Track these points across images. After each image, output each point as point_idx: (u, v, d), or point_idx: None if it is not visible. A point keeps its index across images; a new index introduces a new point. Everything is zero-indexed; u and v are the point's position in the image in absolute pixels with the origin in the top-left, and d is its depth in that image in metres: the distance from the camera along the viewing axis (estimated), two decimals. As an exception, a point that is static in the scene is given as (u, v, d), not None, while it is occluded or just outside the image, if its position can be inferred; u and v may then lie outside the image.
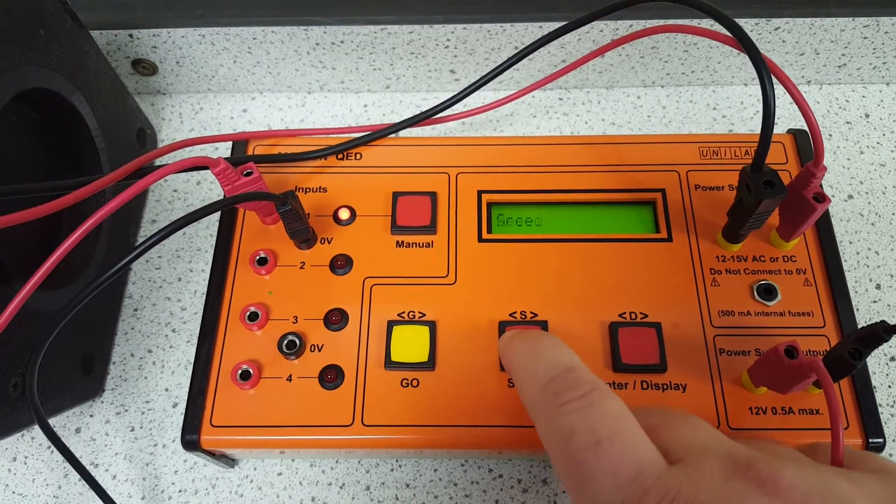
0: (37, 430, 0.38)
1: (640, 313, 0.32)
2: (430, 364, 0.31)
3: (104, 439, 0.37)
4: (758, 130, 0.28)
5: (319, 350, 0.32)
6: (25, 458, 0.37)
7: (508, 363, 0.28)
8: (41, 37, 0.34)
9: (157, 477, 0.36)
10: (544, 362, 0.25)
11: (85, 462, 0.36)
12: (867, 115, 0.45)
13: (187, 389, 0.37)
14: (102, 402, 0.38)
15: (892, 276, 0.40)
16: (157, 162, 0.34)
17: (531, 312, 0.32)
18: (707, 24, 0.40)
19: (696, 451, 0.22)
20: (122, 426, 0.38)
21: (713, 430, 0.24)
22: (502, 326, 0.32)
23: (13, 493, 0.36)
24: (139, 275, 0.42)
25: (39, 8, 0.34)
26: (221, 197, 0.30)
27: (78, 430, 0.38)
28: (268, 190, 0.33)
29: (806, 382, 0.26)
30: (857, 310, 0.38)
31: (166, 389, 0.38)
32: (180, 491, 0.36)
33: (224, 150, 0.44)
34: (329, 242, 0.34)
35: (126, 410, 0.38)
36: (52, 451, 0.37)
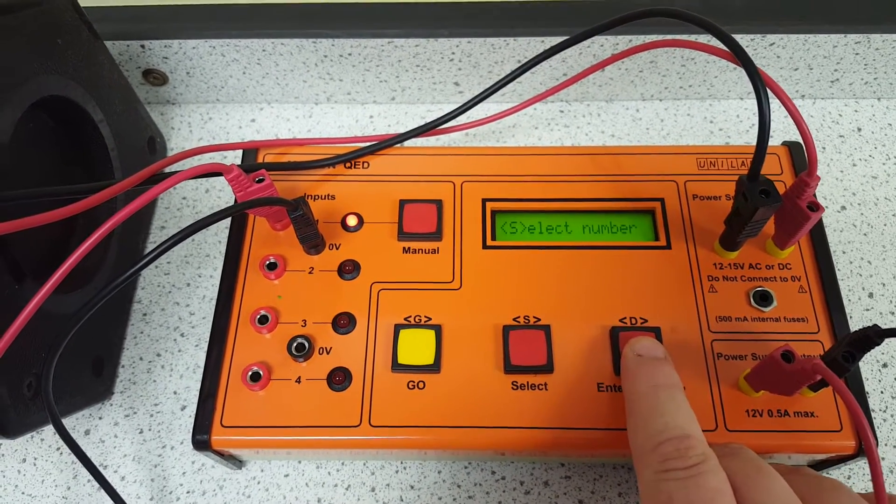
0: (46, 432, 0.39)
1: (641, 318, 0.33)
2: (435, 367, 0.32)
3: (113, 441, 0.38)
4: (753, 143, 0.29)
5: (328, 353, 0.33)
6: (35, 459, 0.38)
7: (627, 392, 0.29)
8: (59, 46, 0.35)
9: (165, 478, 0.37)
10: (663, 418, 0.26)
11: (94, 463, 0.37)
12: (859, 129, 0.47)
13: (195, 393, 0.39)
14: (111, 405, 0.39)
15: (884, 284, 0.41)
16: (170, 169, 0.35)
17: (534, 317, 0.33)
18: (704, 39, 0.42)
19: None
20: (130, 428, 0.38)
21: (785, 491, 0.25)
22: (506, 330, 0.32)
23: (23, 493, 0.37)
24: (148, 280, 0.43)
25: (58, 18, 0.35)
26: (227, 206, 0.31)
27: (87, 432, 0.38)
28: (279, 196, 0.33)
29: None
30: (851, 317, 0.39)
31: (175, 392, 0.39)
32: (188, 492, 0.36)
33: (233, 158, 0.45)
34: (337, 248, 0.35)
35: (135, 413, 0.39)
36: (61, 453, 0.38)
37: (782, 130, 0.46)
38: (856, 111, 0.48)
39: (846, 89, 0.47)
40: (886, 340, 0.27)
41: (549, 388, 0.32)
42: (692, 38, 0.41)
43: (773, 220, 0.33)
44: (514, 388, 0.32)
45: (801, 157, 0.37)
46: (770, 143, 0.30)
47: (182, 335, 0.41)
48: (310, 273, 0.35)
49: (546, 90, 0.40)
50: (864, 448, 0.24)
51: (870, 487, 0.35)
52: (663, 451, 0.25)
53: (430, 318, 0.33)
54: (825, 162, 0.45)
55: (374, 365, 0.32)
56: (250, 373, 0.32)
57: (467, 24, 0.43)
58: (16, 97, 0.31)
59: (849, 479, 0.36)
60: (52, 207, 0.28)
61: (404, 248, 0.35)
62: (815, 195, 0.30)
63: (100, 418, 0.39)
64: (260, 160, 0.38)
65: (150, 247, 0.44)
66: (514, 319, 0.33)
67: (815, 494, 0.25)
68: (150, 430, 0.38)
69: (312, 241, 0.34)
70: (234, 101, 0.49)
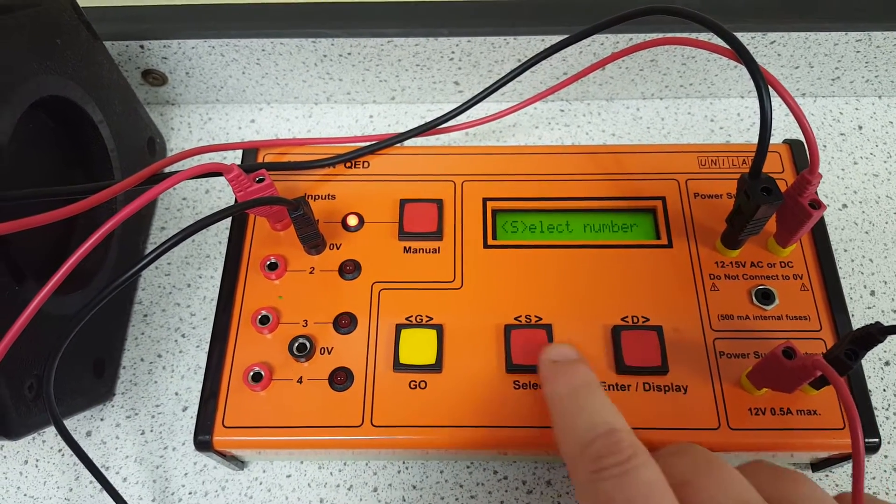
0: (48, 434, 0.38)
1: (642, 317, 0.33)
2: (437, 366, 0.32)
3: (115, 442, 0.38)
4: (754, 141, 0.29)
5: (329, 353, 0.33)
6: (37, 461, 0.38)
7: (548, 399, 0.29)
8: (58, 46, 0.35)
9: (167, 479, 0.37)
10: (586, 417, 0.26)
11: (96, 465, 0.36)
12: (860, 127, 0.47)
13: (197, 394, 0.38)
14: (113, 406, 0.39)
15: (885, 282, 0.41)
16: (170, 169, 0.35)
17: (536, 316, 0.33)
18: (705, 37, 0.42)
19: None
20: (132, 430, 0.38)
21: (738, 483, 0.24)
22: (508, 330, 0.32)
23: (25, 495, 0.37)
24: (149, 281, 0.42)
25: (57, 18, 0.35)
26: (228, 205, 0.31)
27: (89, 434, 0.38)
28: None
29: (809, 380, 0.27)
30: (853, 316, 0.39)
31: (176, 393, 0.39)
32: (190, 493, 0.36)
33: (233, 158, 0.45)
34: (338, 248, 0.35)
35: (136, 414, 0.39)
36: (63, 454, 0.38)
37: (782, 128, 0.46)
38: (857, 109, 0.47)
39: (847, 87, 0.47)
40: (889, 338, 0.27)
41: (552, 388, 0.31)
42: (693, 36, 0.41)
43: (775, 219, 0.33)
44: (516, 387, 0.32)
45: (802, 154, 0.37)
46: (771, 142, 0.30)
47: (183, 336, 0.41)
48: (311, 273, 0.35)
49: (546, 89, 0.40)
50: (852, 444, 0.24)
51: (873, 486, 0.35)
52: (594, 451, 0.24)
53: (431, 318, 0.33)
54: (826, 160, 0.45)
55: (376, 365, 0.32)
56: (252, 373, 0.32)
57: (467, 23, 0.43)
58: (15, 97, 0.31)
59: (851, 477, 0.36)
60: (52, 208, 0.28)
61: (405, 247, 0.35)
62: (816, 193, 0.30)
63: (101, 420, 0.39)
64: (260, 160, 0.38)
65: (150, 247, 0.44)
66: (516, 319, 0.33)
67: (772, 484, 0.25)
68: (151, 431, 0.38)
69: (313, 241, 0.34)
70: (234, 102, 0.49)
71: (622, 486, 0.23)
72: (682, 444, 0.27)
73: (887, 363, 0.38)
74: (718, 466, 0.25)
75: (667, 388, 0.31)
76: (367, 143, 0.38)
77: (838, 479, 0.35)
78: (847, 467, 0.36)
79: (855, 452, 0.24)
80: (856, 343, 0.27)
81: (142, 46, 0.44)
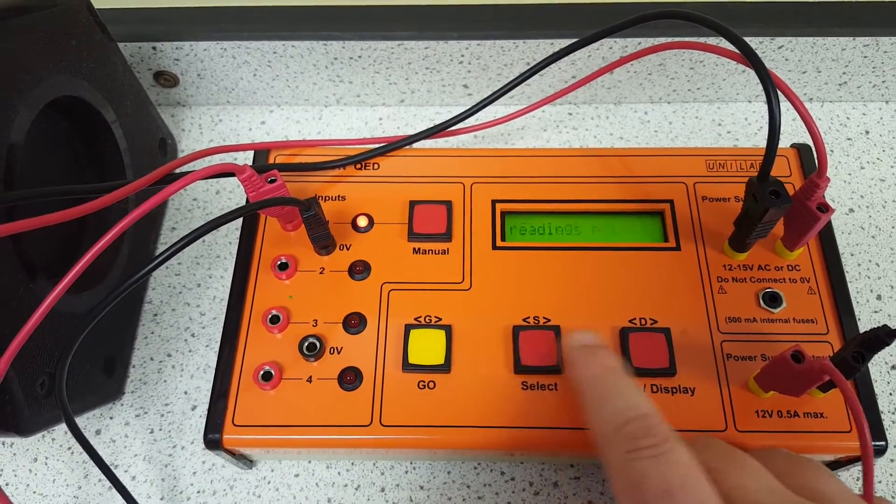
0: (57, 432, 0.39)
1: (650, 319, 0.33)
2: (446, 366, 0.32)
3: (124, 441, 0.38)
4: (761, 145, 0.29)
5: (339, 352, 0.33)
6: (46, 458, 0.38)
7: (578, 382, 0.28)
8: (73, 47, 0.35)
9: (175, 478, 0.37)
10: (622, 399, 0.26)
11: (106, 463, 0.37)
12: (867, 132, 0.47)
13: (206, 393, 0.39)
14: (122, 405, 0.39)
15: (892, 287, 0.41)
16: (182, 170, 0.35)
17: (544, 318, 0.33)
18: (714, 41, 0.42)
19: (750, 502, 0.23)
20: (141, 428, 0.38)
21: (763, 472, 0.25)
22: (516, 331, 0.33)
23: (34, 492, 0.37)
24: (159, 280, 0.43)
25: (73, 19, 0.36)
26: (241, 206, 0.31)
27: (98, 432, 0.38)
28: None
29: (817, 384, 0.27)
30: (859, 319, 0.39)
31: (185, 392, 0.39)
32: (199, 492, 0.37)
33: (244, 159, 0.46)
34: (348, 249, 0.36)
35: (146, 413, 0.39)
36: (72, 452, 0.38)
37: (789, 132, 0.46)
38: (864, 114, 0.48)
39: (854, 92, 0.47)
40: (896, 342, 0.27)
41: (559, 389, 0.32)
42: (702, 40, 0.41)
43: (783, 222, 0.33)
44: (525, 388, 0.32)
45: (810, 158, 0.37)
46: (778, 146, 0.31)
47: (193, 335, 0.41)
48: (321, 273, 0.35)
49: (555, 92, 0.41)
50: (861, 447, 0.24)
51: (880, 489, 0.35)
52: (630, 431, 0.25)
53: (440, 319, 0.33)
54: (833, 164, 0.45)
55: (385, 365, 0.33)
56: (262, 372, 0.32)
57: (477, 27, 0.43)
58: (31, 97, 0.32)
59: (858, 480, 0.36)
60: (66, 206, 0.29)
61: (414, 248, 0.35)
62: (824, 196, 0.31)
63: (111, 418, 0.39)
64: (271, 161, 0.38)
65: (160, 248, 0.44)
66: (524, 320, 0.33)
67: (792, 473, 0.25)
68: (160, 429, 0.38)
69: (324, 241, 0.34)
70: (245, 104, 0.49)
71: (658, 465, 0.23)
72: (702, 437, 0.28)
73: (894, 367, 0.38)
74: (742, 456, 0.26)
75: (674, 390, 0.31)
76: (378, 145, 0.38)
77: (844, 482, 0.35)
78: (853, 470, 0.36)
79: (864, 456, 0.24)
80: (863, 346, 0.27)
81: (154, 48, 0.45)
